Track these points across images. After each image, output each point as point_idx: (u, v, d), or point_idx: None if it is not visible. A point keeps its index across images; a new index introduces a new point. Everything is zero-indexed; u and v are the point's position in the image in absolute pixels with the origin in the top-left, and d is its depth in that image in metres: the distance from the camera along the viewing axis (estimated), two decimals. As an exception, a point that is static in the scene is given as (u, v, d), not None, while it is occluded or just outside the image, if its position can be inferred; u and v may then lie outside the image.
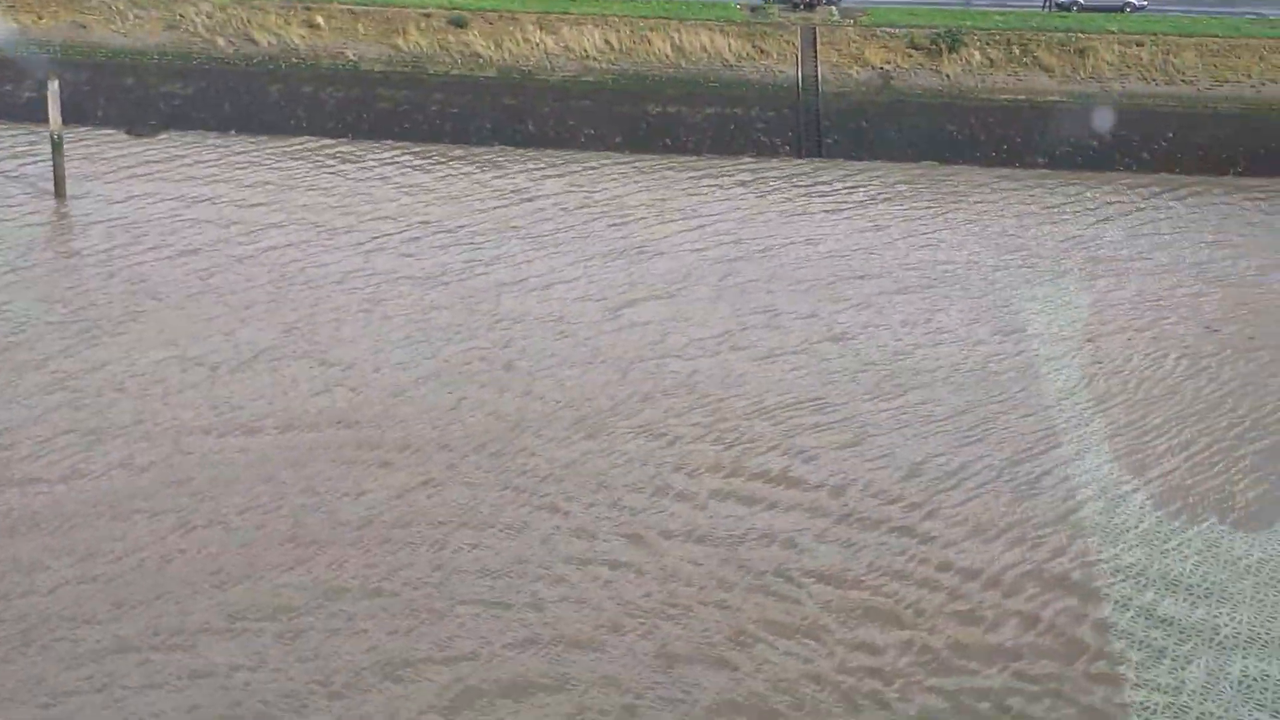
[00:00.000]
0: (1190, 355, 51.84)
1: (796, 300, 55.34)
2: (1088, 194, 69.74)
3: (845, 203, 67.56)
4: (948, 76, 77.42)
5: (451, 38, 77.90)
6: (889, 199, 68.18)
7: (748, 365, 49.63)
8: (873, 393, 47.97)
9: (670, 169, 71.20)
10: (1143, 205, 68.74)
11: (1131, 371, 50.39)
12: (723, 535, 39.16)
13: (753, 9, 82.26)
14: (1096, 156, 74.08)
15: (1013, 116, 75.76)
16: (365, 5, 79.42)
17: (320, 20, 78.01)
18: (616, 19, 79.74)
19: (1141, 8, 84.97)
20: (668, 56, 77.85)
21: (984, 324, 53.88)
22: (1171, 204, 69.02)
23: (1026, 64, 77.96)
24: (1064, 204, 68.37)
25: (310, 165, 68.77)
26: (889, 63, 77.94)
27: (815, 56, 78.20)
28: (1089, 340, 52.90)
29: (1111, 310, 55.79)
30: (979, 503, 41.36)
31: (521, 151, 72.45)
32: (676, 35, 78.62)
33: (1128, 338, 53.10)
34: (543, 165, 70.59)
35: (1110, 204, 68.68)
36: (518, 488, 41.09)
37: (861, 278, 58.05)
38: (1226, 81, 77.44)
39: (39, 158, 65.14)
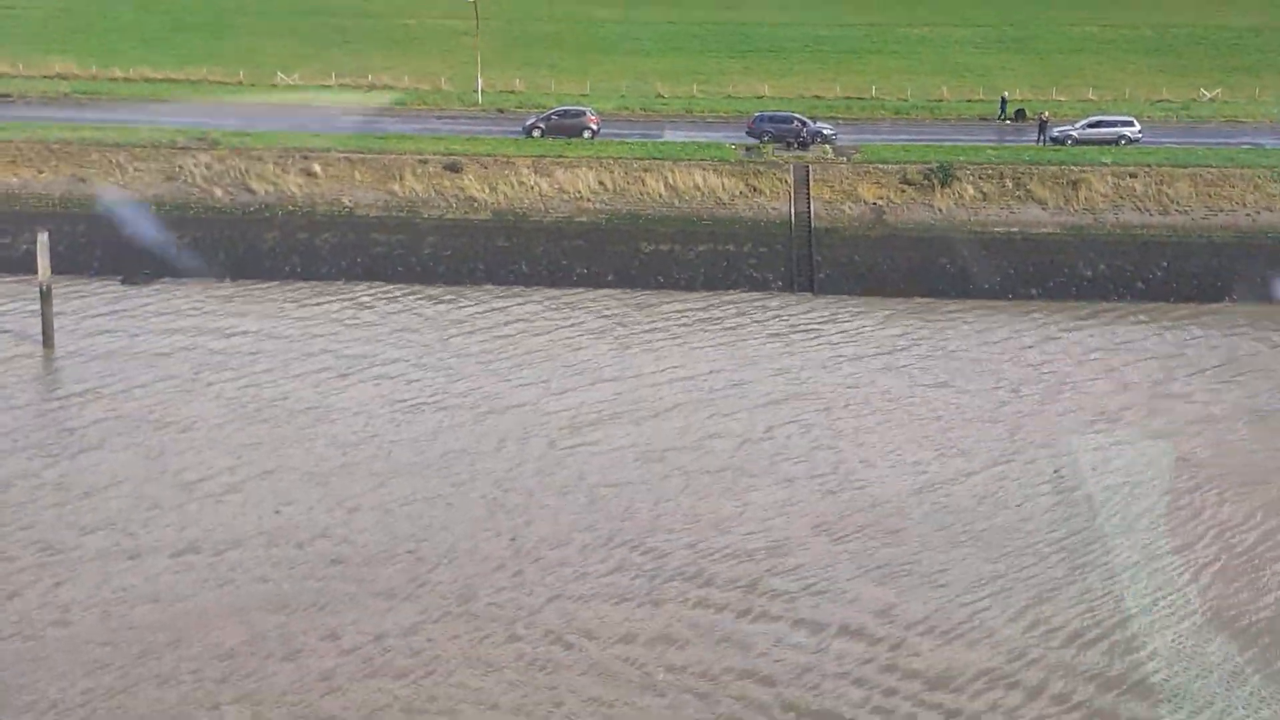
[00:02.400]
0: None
1: (756, 423, 56.18)
2: (1071, 323, 69.50)
3: (829, 336, 67.38)
4: (940, 210, 77.50)
5: (447, 182, 78.63)
6: (875, 332, 67.94)
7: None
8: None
9: (662, 304, 71.39)
10: (1128, 335, 68.36)
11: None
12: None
13: (747, 149, 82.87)
14: (1090, 287, 73.88)
15: (1006, 248, 75.65)
16: (362, 153, 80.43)
17: (318, 168, 78.91)
18: (611, 160, 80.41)
19: (1136, 140, 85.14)
20: (661, 196, 78.32)
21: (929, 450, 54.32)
22: (1161, 332, 68.52)
23: (1020, 197, 78.01)
24: (1050, 335, 68.02)
25: (294, 307, 69.60)
26: (882, 198, 78.17)
27: (808, 193, 78.50)
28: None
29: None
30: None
31: (512, 289, 72.91)
32: (670, 175, 79.17)
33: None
34: (531, 301, 71.15)
35: (1093, 333, 68.38)
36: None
37: (829, 405, 58.48)
38: (1221, 211, 77.23)
39: (30, 308, 65.67)
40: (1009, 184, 78.57)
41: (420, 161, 79.76)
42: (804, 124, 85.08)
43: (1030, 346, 66.37)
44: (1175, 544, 46.80)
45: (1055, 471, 52.49)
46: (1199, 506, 49.61)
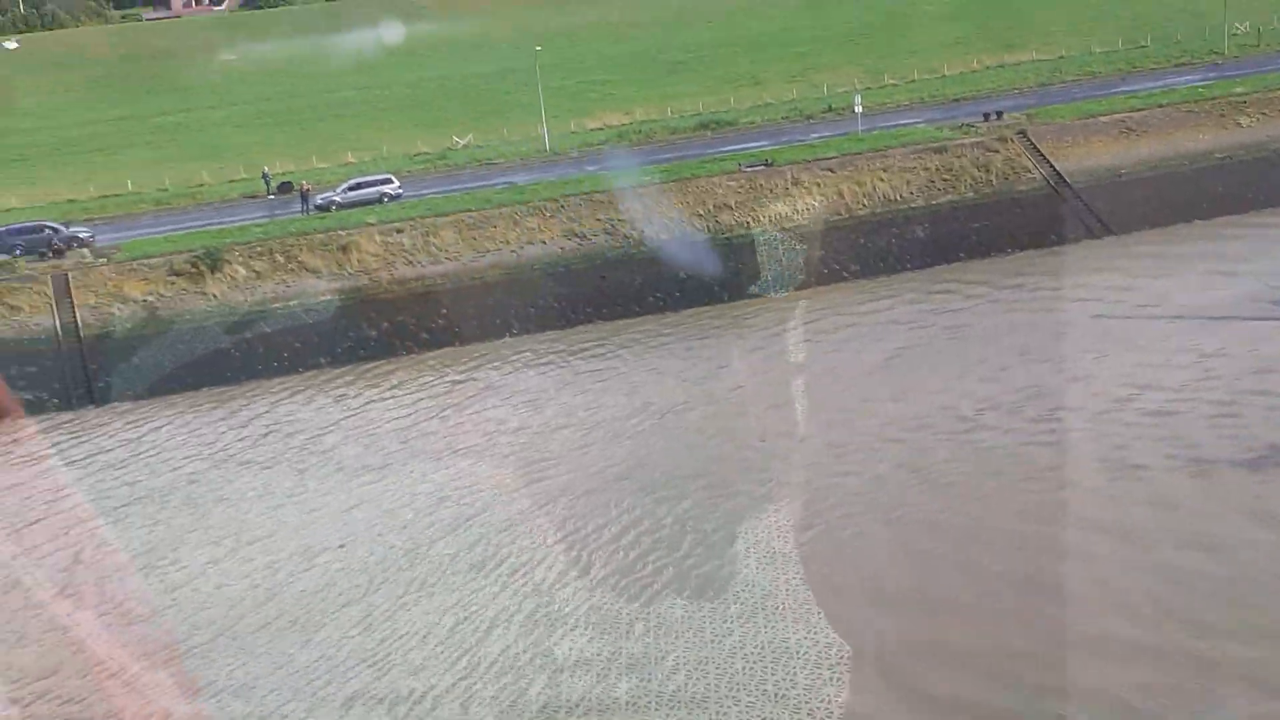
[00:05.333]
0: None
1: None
2: (366, 386, 69.60)
3: (113, 452, 63.64)
4: (215, 296, 75.36)
5: None
6: (166, 438, 64.94)
7: None
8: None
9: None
10: (415, 390, 69.18)
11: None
12: None
13: (-1, 265, 77.34)
14: (379, 345, 74.16)
15: (291, 322, 74.62)
16: None
17: None
18: None
19: (398, 196, 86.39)
20: (-93, 330, 71.55)
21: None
22: (455, 379, 69.89)
23: (293, 269, 77.19)
24: (349, 403, 67.74)
25: None
26: (151, 293, 75.01)
27: (72, 301, 74.10)
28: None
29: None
30: None
31: None
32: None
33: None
34: None
35: (394, 393, 68.70)
36: None
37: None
38: (488, 251, 79.67)
39: None
40: (280, 258, 77.57)
41: None
42: (56, 230, 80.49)
43: (340, 418, 65.55)
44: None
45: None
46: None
